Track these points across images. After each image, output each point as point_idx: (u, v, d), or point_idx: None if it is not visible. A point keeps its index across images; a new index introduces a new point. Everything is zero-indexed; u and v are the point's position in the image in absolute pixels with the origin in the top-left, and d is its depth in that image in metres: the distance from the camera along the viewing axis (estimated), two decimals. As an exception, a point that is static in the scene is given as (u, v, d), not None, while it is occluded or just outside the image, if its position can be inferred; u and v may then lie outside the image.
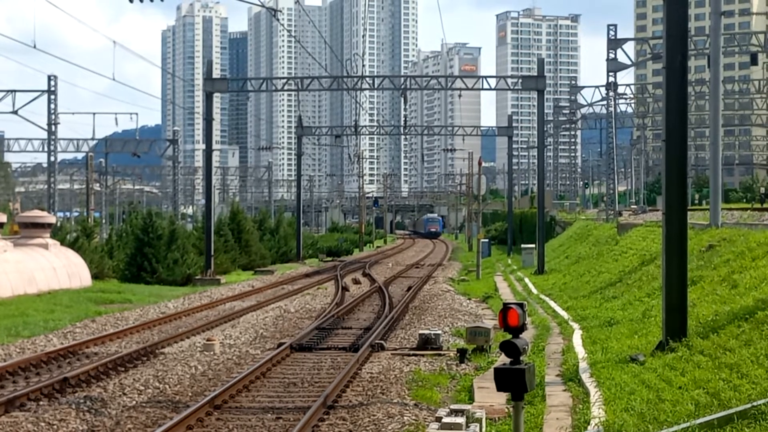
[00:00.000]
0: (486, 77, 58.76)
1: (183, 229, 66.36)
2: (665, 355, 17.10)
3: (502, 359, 16.40)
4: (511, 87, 59.36)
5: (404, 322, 31.04)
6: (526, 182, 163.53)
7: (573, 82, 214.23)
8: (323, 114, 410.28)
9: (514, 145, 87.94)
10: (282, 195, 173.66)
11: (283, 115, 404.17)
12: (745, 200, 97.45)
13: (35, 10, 50.83)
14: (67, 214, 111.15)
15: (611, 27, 58.40)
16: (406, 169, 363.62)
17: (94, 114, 75.37)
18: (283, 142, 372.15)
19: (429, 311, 34.15)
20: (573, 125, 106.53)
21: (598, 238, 51.77)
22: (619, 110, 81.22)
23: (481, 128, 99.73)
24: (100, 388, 19.28)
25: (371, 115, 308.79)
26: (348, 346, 24.70)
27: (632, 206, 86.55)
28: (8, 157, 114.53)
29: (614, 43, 58.51)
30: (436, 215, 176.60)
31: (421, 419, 16.03)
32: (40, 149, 77.44)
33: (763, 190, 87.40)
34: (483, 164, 60.59)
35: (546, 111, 63.37)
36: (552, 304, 32.61)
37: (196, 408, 16.22)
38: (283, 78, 64.62)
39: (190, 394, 18.74)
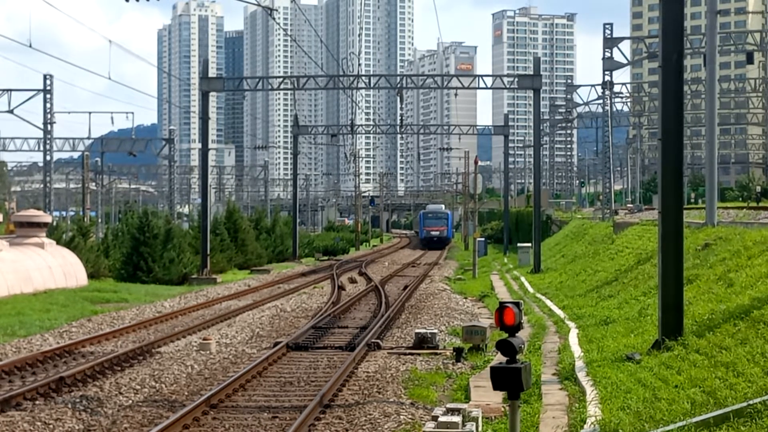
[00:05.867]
0: (482, 76, 58.89)
1: (179, 228, 66.29)
2: (661, 353, 17.12)
3: (499, 358, 16.41)
4: (507, 86, 59.45)
5: (400, 321, 31.04)
6: (522, 181, 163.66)
7: (569, 81, 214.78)
8: (319, 113, 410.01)
9: (510, 144, 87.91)
10: (278, 194, 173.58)
11: (279, 114, 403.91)
12: (741, 199, 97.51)
13: (31, 10, 50.71)
14: (63, 213, 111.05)
15: (607, 26, 58.53)
16: (402, 168, 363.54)
17: (90, 113, 75.51)
18: (279, 141, 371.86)
19: (425, 310, 34.14)
20: (569, 124, 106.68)
21: (594, 237, 51.80)
22: (615, 109, 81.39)
23: (477, 127, 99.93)
24: (97, 387, 19.26)
25: (367, 114, 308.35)
26: (344, 345, 24.70)
27: (628, 205, 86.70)
28: (4, 156, 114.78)
29: (610, 42, 58.61)
30: (441, 207, 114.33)
31: (418, 418, 16.03)
32: (36, 148, 77.48)
33: (759, 188, 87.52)
34: (479, 163, 60.59)
35: (542, 110, 63.38)
36: (548, 302, 32.62)
37: (192, 407, 16.22)
38: (279, 77, 64.58)
39: (186, 393, 18.73)
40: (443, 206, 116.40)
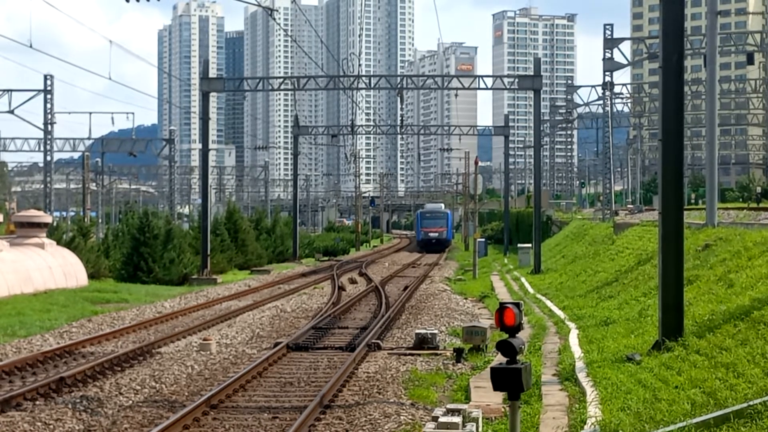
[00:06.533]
0: (482, 77, 58.96)
1: (179, 228, 66.31)
2: (661, 354, 17.11)
3: (499, 359, 16.39)
4: (508, 86, 59.45)
5: (401, 321, 31.03)
6: (523, 182, 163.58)
7: (569, 81, 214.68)
8: (320, 113, 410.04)
9: (511, 145, 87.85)
10: (278, 194, 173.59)
11: (279, 115, 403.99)
12: (741, 200, 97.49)
13: (31, 10, 51.00)
14: (64, 213, 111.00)
15: (607, 26, 58.53)
16: (402, 169, 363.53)
17: (90, 113, 75.56)
18: (279, 142, 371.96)
19: (425, 311, 34.13)
20: (569, 125, 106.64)
21: (594, 237, 51.80)
22: (615, 110, 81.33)
23: (478, 128, 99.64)
24: (97, 387, 19.26)
25: (368, 114, 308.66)
26: (344, 345, 24.70)
27: (628, 206, 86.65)
28: (4, 157, 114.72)
29: (611, 43, 58.62)
30: (440, 206, 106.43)
31: (418, 419, 16.03)
32: (37, 149, 77.46)
33: (759, 189, 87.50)
34: (479, 164, 60.63)
35: (542, 110, 63.40)
36: (548, 303, 32.61)
37: (192, 408, 16.22)
38: (280, 77, 64.59)
39: (186, 393, 18.73)
40: (443, 205, 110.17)
